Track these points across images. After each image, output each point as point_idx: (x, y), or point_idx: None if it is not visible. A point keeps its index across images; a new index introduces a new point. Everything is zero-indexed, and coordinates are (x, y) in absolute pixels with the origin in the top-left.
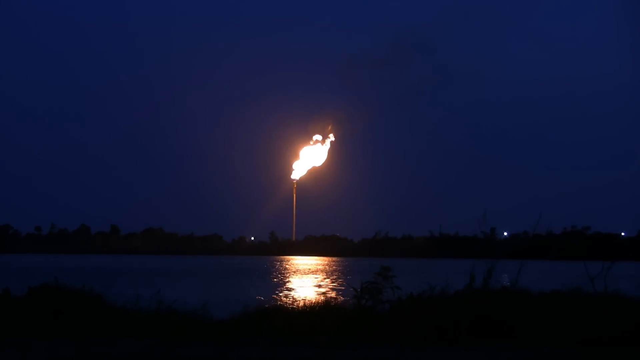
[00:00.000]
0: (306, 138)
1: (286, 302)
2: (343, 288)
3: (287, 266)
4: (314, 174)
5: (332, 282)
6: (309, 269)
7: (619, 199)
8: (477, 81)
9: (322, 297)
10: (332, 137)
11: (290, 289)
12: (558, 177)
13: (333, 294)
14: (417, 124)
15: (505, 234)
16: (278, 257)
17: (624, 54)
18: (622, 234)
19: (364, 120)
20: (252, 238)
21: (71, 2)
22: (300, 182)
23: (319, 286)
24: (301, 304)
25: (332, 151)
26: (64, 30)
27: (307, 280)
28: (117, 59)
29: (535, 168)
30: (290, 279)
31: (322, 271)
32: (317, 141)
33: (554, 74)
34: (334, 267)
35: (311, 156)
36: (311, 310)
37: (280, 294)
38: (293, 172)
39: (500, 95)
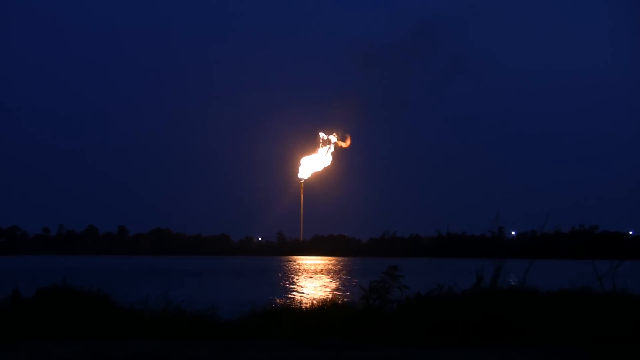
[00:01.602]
0: (315, 138)
1: (294, 303)
2: (351, 288)
3: (294, 266)
4: (321, 173)
5: (340, 282)
6: (317, 269)
7: (627, 197)
8: (480, 78)
9: (330, 297)
10: (337, 137)
11: (298, 289)
12: (565, 176)
13: (340, 294)
14: (426, 124)
15: (513, 233)
16: (286, 257)
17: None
18: (630, 232)
19: (372, 120)
20: (260, 238)
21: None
22: (308, 182)
23: (327, 286)
24: (309, 304)
25: (340, 151)
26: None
27: (314, 280)
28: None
29: (541, 167)
30: (297, 279)
31: (329, 271)
32: (325, 141)
33: (567, 65)
34: (342, 267)
35: (319, 156)
36: (319, 311)
37: (288, 294)
38: (301, 172)
39: (506, 90)
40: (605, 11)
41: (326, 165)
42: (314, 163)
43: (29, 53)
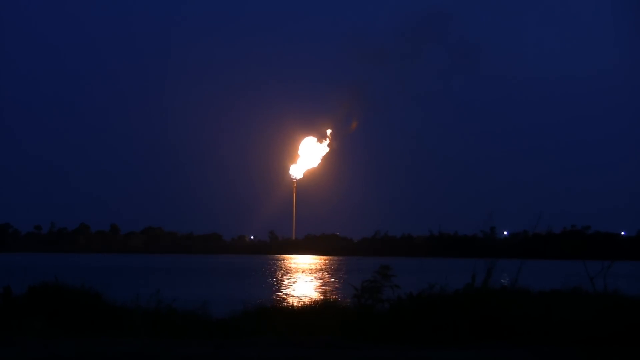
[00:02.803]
0: (307, 135)
1: (286, 302)
2: (343, 287)
3: (286, 265)
4: (314, 172)
5: (332, 281)
6: (309, 268)
7: (619, 198)
8: (480, 78)
9: (322, 297)
10: (331, 135)
11: (290, 288)
12: (558, 177)
13: (333, 293)
14: (419, 122)
15: (505, 233)
16: (278, 256)
17: (622, 51)
18: (622, 233)
19: (364, 117)
20: (252, 237)
21: None
22: (301, 180)
23: (319, 285)
24: (301, 303)
25: (332, 149)
26: (61, 23)
27: (306, 279)
28: (116, 53)
29: (535, 167)
30: (290, 278)
31: (321, 270)
32: (318, 138)
33: (555, 72)
34: (334, 266)
35: (312, 154)
36: (311, 310)
37: (280, 293)
38: (293, 171)
39: (504, 92)
40: (608, 12)
41: (325, 153)
42: (308, 159)
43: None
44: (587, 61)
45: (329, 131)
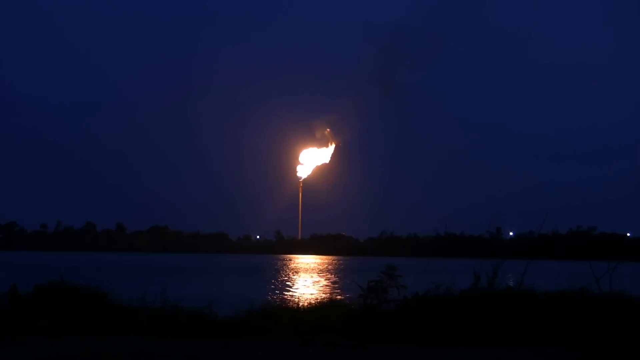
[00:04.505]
0: (313, 135)
1: (292, 301)
2: (349, 287)
3: (292, 265)
4: (320, 172)
5: (338, 281)
6: (315, 268)
7: (626, 199)
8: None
9: (328, 296)
10: (338, 135)
11: (295, 288)
12: (563, 177)
13: (338, 293)
14: (425, 123)
15: (511, 233)
16: (284, 255)
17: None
18: (628, 234)
19: (369, 116)
20: (258, 236)
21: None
22: (307, 180)
23: (325, 285)
24: (306, 302)
25: (338, 149)
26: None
27: (312, 279)
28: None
29: (540, 167)
30: (295, 278)
31: (327, 270)
32: (323, 139)
33: (571, 80)
34: (340, 266)
35: (317, 154)
36: (316, 309)
37: (286, 293)
38: (299, 170)
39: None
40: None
41: (325, 162)
42: (313, 159)
43: (28, 46)
44: (587, 56)
45: (334, 129)
